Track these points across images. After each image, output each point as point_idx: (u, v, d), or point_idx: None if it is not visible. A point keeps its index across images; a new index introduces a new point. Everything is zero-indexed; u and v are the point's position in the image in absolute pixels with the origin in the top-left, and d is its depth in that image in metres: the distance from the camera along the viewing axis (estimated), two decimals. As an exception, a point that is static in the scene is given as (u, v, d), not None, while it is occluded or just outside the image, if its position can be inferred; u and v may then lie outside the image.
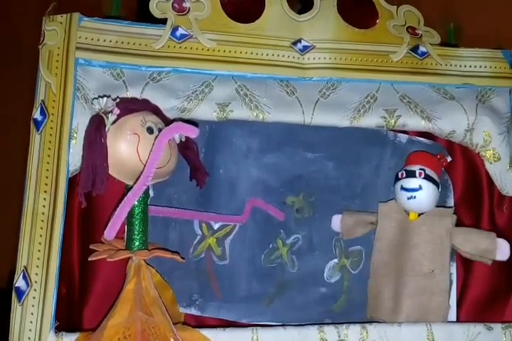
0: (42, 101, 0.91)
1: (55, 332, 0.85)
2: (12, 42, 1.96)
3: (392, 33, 1.04)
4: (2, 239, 1.47)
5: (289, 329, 0.91)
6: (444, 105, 1.03)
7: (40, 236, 0.87)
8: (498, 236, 1.01)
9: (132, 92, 0.94)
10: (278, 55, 0.99)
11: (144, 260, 0.88)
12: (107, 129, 0.87)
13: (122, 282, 0.87)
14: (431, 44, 1.05)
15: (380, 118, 1.01)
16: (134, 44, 0.95)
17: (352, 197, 1.08)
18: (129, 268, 0.88)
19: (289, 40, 1.00)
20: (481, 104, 1.05)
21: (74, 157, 0.90)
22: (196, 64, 0.96)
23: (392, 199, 1.04)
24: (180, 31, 0.96)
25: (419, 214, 1.02)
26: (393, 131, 1.06)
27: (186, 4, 0.97)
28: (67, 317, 0.93)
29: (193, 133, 0.87)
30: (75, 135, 0.91)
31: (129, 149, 0.86)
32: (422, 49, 1.04)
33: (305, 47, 1.00)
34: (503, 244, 0.99)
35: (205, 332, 0.87)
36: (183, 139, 0.90)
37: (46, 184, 0.89)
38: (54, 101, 0.91)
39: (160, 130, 0.87)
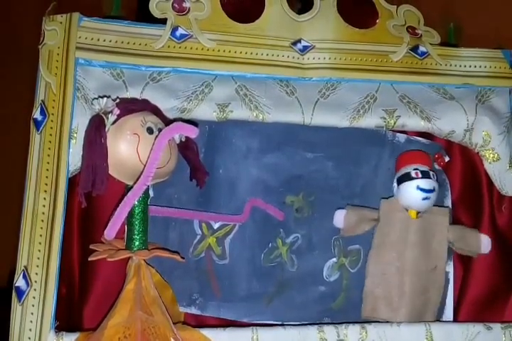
0: (42, 101, 0.91)
1: (55, 332, 0.85)
2: (12, 42, 1.96)
3: (392, 32, 1.04)
4: (2, 238, 1.47)
5: (288, 329, 0.91)
6: (444, 105, 1.03)
7: (40, 236, 0.87)
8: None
9: (132, 92, 0.94)
10: (278, 55, 0.99)
11: (144, 260, 0.88)
12: (106, 129, 0.87)
13: (122, 282, 0.88)
14: (431, 44, 1.05)
15: (379, 118, 1.01)
16: (134, 44, 0.95)
17: (351, 196, 1.08)
18: (129, 268, 0.88)
19: (289, 40, 1.00)
20: (481, 104, 1.05)
21: (74, 157, 0.90)
22: (196, 64, 0.97)
23: (391, 197, 1.04)
24: (180, 31, 0.96)
25: (418, 213, 1.02)
26: (392, 130, 1.06)
27: (186, 4, 0.97)
28: (67, 317, 0.93)
29: (192, 133, 0.87)
30: (75, 135, 0.91)
31: (129, 149, 0.86)
32: (421, 49, 1.04)
33: (305, 48, 1.00)
34: (485, 239, 1.04)
35: (205, 332, 0.88)
36: (183, 139, 0.90)
37: (46, 184, 0.89)
38: (54, 101, 0.91)
39: (160, 130, 0.87)
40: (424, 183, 1.00)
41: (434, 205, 1.03)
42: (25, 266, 0.86)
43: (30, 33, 1.05)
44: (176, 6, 0.97)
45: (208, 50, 0.97)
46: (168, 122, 0.91)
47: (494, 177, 1.05)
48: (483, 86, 1.06)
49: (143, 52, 0.95)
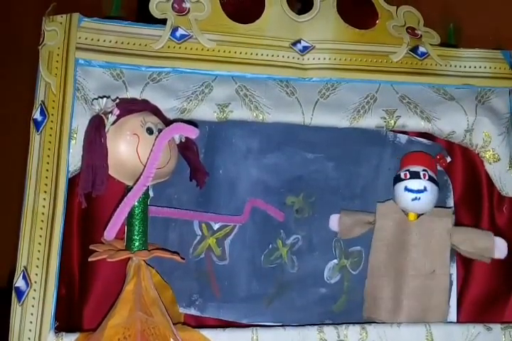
0: (42, 101, 0.91)
1: (55, 332, 0.85)
2: (12, 42, 1.95)
3: (392, 33, 1.04)
4: (2, 238, 1.47)
5: (288, 329, 0.91)
6: (444, 106, 1.03)
7: (40, 236, 0.87)
8: (498, 236, 1.01)
9: (132, 93, 0.94)
10: (278, 56, 0.99)
11: (144, 260, 0.88)
12: (106, 130, 0.87)
13: (122, 282, 0.88)
14: (431, 44, 1.05)
15: (379, 118, 1.01)
16: (133, 44, 0.95)
17: (352, 197, 1.08)
18: (128, 269, 0.88)
19: (289, 41, 1.00)
20: (481, 104, 1.05)
21: (74, 157, 0.90)
22: (196, 64, 0.97)
23: (389, 199, 1.04)
24: (180, 31, 0.96)
25: (419, 215, 1.02)
26: (393, 131, 1.06)
27: (186, 5, 0.97)
28: (67, 318, 0.93)
29: (193, 133, 0.87)
30: (75, 135, 0.91)
31: (128, 150, 0.86)
32: (421, 49, 1.04)
33: (305, 48, 1.00)
34: (500, 243, 1.00)
35: (205, 333, 0.88)
36: (183, 140, 0.90)
37: (46, 184, 0.89)
38: (54, 101, 0.91)
39: (160, 130, 0.87)
40: (412, 184, 1.00)
41: (436, 206, 1.03)
42: (25, 267, 0.86)
43: (30, 33, 1.05)
44: (176, 6, 0.97)
45: (207, 50, 0.97)
46: (168, 122, 0.91)
47: (494, 177, 1.05)
48: (483, 86, 1.06)
49: (143, 52, 0.95)
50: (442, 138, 1.06)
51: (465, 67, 1.06)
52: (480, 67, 1.06)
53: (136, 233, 0.89)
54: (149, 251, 0.89)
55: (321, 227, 1.06)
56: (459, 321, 1.06)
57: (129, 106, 0.89)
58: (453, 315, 1.06)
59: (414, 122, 1.02)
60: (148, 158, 0.86)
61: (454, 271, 1.07)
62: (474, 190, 1.09)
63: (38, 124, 0.90)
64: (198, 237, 1.03)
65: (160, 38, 0.95)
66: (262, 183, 1.05)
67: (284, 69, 0.99)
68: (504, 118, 1.06)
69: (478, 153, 1.05)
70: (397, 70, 1.03)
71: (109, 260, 0.87)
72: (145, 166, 0.86)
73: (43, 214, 0.88)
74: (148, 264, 0.89)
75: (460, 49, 1.07)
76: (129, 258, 0.88)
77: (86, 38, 0.93)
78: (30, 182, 0.89)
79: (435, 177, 1.02)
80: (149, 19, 0.96)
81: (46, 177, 0.89)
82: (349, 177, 1.08)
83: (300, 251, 1.06)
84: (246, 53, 0.98)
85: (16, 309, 0.85)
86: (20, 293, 0.86)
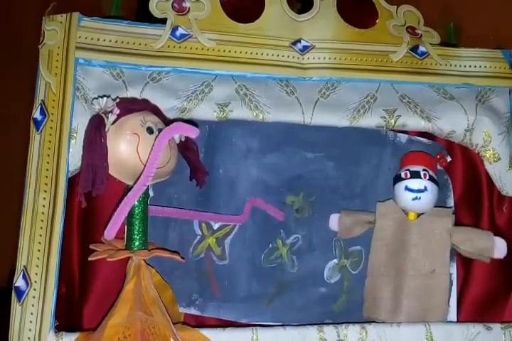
0: (42, 101, 0.91)
1: (55, 332, 0.85)
2: (12, 42, 1.95)
3: (392, 32, 1.04)
4: (2, 238, 1.47)
5: (288, 329, 0.91)
6: (444, 105, 1.03)
7: (40, 235, 0.87)
8: (498, 236, 1.01)
9: (132, 92, 0.94)
10: (278, 55, 0.99)
11: (144, 260, 0.88)
12: (106, 129, 0.87)
13: (122, 282, 0.87)
14: (431, 44, 1.05)
15: (379, 118, 1.01)
16: (133, 44, 0.95)
17: (352, 196, 1.08)
18: (128, 268, 0.88)
19: (289, 40, 1.00)
20: (481, 104, 1.05)
21: (74, 157, 0.90)
22: (196, 64, 0.97)
23: (389, 199, 1.04)
24: (180, 31, 0.96)
25: (419, 214, 1.02)
26: (393, 130, 1.06)
27: (186, 4, 0.97)
28: (67, 317, 0.93)
29: (193, 133, 0.87)
30: (75, 135, 0.91)
31: (128, 149, 0.86)
32: (421, 49, 1.04)
33: (305, 47, 1.00)
34: (500, 242, 1.00)
35: (205, 332, 0.87)
36: (183, 139, 0.90)
37: (46, 184, 0.89)
38: (54, 100, 0.91)
39: (160, 130, 0.87)
40: (412, 183, 1.00)
41: (437, 206, 1.03)
42: (24, 266, 0.86)
43: (30, 33, 1.05)
44: (176, 5, 0.97)
45: (207, 49, 0.97)
46: (168, 122, 0.91)
47: (495, 177, 1.05)
48: (483, 86, 1.06)
49: (143, 52, 0.95)
50: (442, 138, 1.06)
51: (465, 66, 1.06)
52: (480, 66, 1.06)
53: (136, 232, 0.89)
54: (149, 250, 0.89)
55: (321, 227, 1.06)
56: (458, 321, 1.06)
57: (129, 106, 0.89)
58: (453, 315, 1.06)
59: (414, 122, 1.02)
60: (148, 158, 0.86)
61: (454, 270, 1.07)
62: (474, 190, 1.09)
63: (38, 124, 0.90)
64: (198, 237, 1.03)
65: (160, 38, 0.95)
66: (261, 183, 1.05)
67: (284, 68, 0.99)
68: (504, 117, 1.06)
69: (478, 153, 1.05)
70: (397, 70, 1.03)
71: (109, 259, 0.86)
72: (145, 166, 0.86)
73: (43, 213, 0.88)
74: (148, 264, 0.89)
75: (460, 48, 1.07)
76: (129, 258, 0.88)
77: (86, 38, 0.93)
78: (30, 182, 0.88)
79: (435, 177, 1.02)
80: (149, 18, 0.96)
81: (46, 177, 0.89)
82: (349, 176, 1.08)
83: (300, 250, 1.06)
84: (246, 53, 0.98)
85: (15, 308, 0.85)
86: (20, 293, 0.86)
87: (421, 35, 1.05)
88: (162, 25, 0.96)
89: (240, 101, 0.97)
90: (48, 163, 0.89)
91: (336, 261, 1.08)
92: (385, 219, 1.03)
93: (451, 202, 1.10)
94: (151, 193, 0.93)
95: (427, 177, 1.00)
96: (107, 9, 1.06)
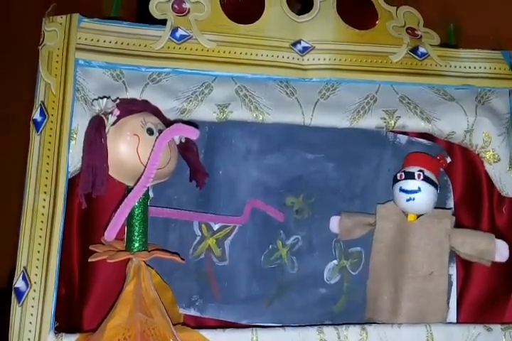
0: (42, 102, 0.91)
1: (55, 333, 0.85)
2: (12, 42, 1.96)
3: (392, 34, 1.04)
4: (2, 239, 1.47)
5: (288, 330, 0.91)
6: (444, 106, 1.03)
7: (40, 236, 0.87)
8: (498, 237, 1.01)
9: (132, 93, 0.94)
10: (278, 56, 0.99)
11: (144, 261, 0.88)
12: (107, 130, 0.87)
13: (122, 283, 0.87)
14: (430, 45, 1.05)
15: (379, 119, 1.01)
16: (133, 45, 0.95)
17: (352, 198, 1.08)
18: (128, 269, 0.88)
19: (289, 41, 1.00)
20: (481, 105, 1.05)
21: (74, 158, 0.90)
22: (196, 65, 0.96)
23: (390, 201, 1.04)
24: (179, 32, 0.96)
25: (418, 216, 1.02)
26: (393, 131, 1.06)
27: (186, 5, 0.97)
28: (66, 318, 0.93)
29: (193, 134, 0.87)
30: (75, 136, 0.91)
31: (129, 150, 0.86)
32: (421, 50, 1.04)
33: (305, 48, 1.00)
34: (501, 245, 0.99)
35: (205, 333, 0.88)
36: (183, 140, 0.90)
37: (46, 184, 0.89)
38: (54, 102, 0.91)
39: (160, 131, 0.87)
40: (406, 184, 1.00)
41: (436, 207, 1.03)
42: (24, 267, 0.86)
43: (30, 33, 1.05)
44: (176, 6, 0.97)
45: (207, 50, 0.97)
46: (168, 123, 0.91)
47: (495, 178, 1.05)
48: (483, 87, 1.06)
49: (143, 53, 0.95)
50: (442, 139, 1.06)
51: (465, 67, 1.06)
52: (480, 67, 1.06)
53: (136, 234, 0.89)
54: (149, 251, 0.89)
55: (320, 228, 1.06)
56: (459, 322, 1.06)
57: (129, 107, 0.89)
58: (453, 316, 1.06)
59: (414, 123, 1.02)
60: (148, 159, 0.86)
61: (453, 271, 1.07)
62: (474, 191, 1.09)
63: (37, 125, 0.90)
64: (198, 238, 1.03)
65: (160, 39, 0.95)
66: (261, 184, 1.05)
67: (284, 69, 0.99)
68: (504, 118, 1.06)
69: (478, 154, 1.05)
70: (397, 71, 1.03)
71: (109, 261, 0.86)
72: (145, 167, 0.86)
73: (42, 214, 0.88)
74: (148, 265, 0.89)
75: (460, 49, 1.07)
76: (128, 259, 0.88)
77: (86, 39, 0.93)
78: (30, 183, 0.88)
79: (433, 177, 1.01)
80: (149, 20, 0.96)
81: (46, 178, 0.89)
82: (349, 177, 1.08)
83: (300, 251, 1.06)
84: (246, 54, 0.98)
85: (15, 309, 0.85)
86: (20, 294, 0.86)
87: (421, 36, 1.05)
88: (162, 26, 0.96)
89: (239, 102, 0.97)
90: (47, 163, 0.89)
91: (335, 262, 1.08)
92: (385, 221, 1.03)
93: (451, 203, 1.10)
94: (151, 194, 0.93)
95: (421, 177, 1.00)
96: (107, 10, 1.06)
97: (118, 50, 0.94)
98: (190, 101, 0.96)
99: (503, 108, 1.06)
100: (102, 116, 0.88)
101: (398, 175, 1.01)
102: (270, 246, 1.05)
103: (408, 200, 1.00)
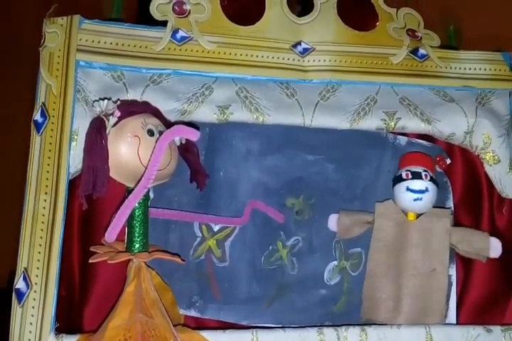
0: (42, 103, 0.91)
1: (55, 334, 0.85)
2: (12, 43, 1.96)
3: (392, 35, 1.04)
4: (2, 239, 1.47)
5: (288, 331, 0.91)
6: (444, 107, 1.04)
7: (41, 237, 0.87)
8: (498, 238, 1.02)
9: (132, 94, 0.94)
10: (278, 58, 0.99)
11: (145, 262, 0.88)
12: (107, 132, 0.87)
13: (122, 284, 0.88)
14: (431, 46, 1.05)
15: (380, 120, 1.01)
16: (134, 46, 0.95)
17: (352, 199, 1.08)
18: (129, 270, 0.88)
19: (289, 43, 1.00)
20: (481, 106, 1.05)
21: (74, 159, 0.90)
22: (196, 66, 0.97)
23: (388, 199, 1.04)
24: (180, 33, 0.96)
25: (418, 215, 1.02)
26: (393, 133, 1.07)
27: (187, 7, 0.97)
28: (67, 319, 0.93)
29: (194, 136, 0.87)
30: (76, 137, 0.91)
31: (129, 151, 0.86)
32: (421, 51, 1.04)
33: (305, 50, 1.00)
34: (495, 243, 1.02)
35: (205, 334, 0.88)
36: (184, 141, 0.90)
37: (46, 186, 0.89)
38: (54, 103, 0.91)
39: (160, 132, 0.88)
40: (414, 184, 1.00)
41: (435, 207, 1.03)
42: (25, 268, 0.86)
43: (31, 34, 1.05)
44: (177, 8, 0.97)
45: (208, 52, 0.97)
46: (168, 124, 0.91)
47: (495, 179, 1.05)
48: (483, 88, 1.06)
49: (143, 54, 0.95)
50: (442, 140, 1.06)
51: (465, 69, 1.06)
52: (480, 69, 1.06)
53: (136, 235, 0.89)
54: (150, 252, 0.89)
55: (321, 229, 1.07)
56: (458, 323, 1.06)
57: (129, 108, 0.89)
58: (453, 317, 1.06)
59: (414, 124, 1.02)
60: (149, 160, 0.86)
61: (453, 272, 1.07)
62: (474, 192, 1.09)
63: (38, 126, 0.90)
64: (198, 239, 1.03)
65: (160, 40, 0.95)
66: (262, 185, 1.05)
67: (285, 71, 1.00)
68: (504, 120, 1.06)
69: (478, 155, 1.06)
70: (397, 72, 1.03)
71: (109, 262, 0.87)
72: (146, 168, 0.86)
73: (43, 215, 0.88)
74: (149, 266, 0.89)
75: (460, 51, 1.07)
76: (129, 260, 0.88)
77: (87, 40, 0.93)
78: (30, 184, 0.89)
79: (435, 177, 1.02)
80: (150, 21, 0.96)
81: (47, 179, 0.89)
82: (349, 179, 1.08)
83: (300, 252, 1.06)
84: (246, 55, 0.98)
85: (16, 310, 0.85)
86: (20, 295, 0.86)
87: (421, 38, 1.05)
88: (163, 27, 0.96)
89: (240, 104, 0.97)
90: (48, 165, 0.89)
91: (336, 262, 1.08)
92: (383, 219, 1.03)
93: (450, 204, 1.10)
94: (151, 195, 0.93)
95: (428, 178, 1.00)
96: (108, 12, 1.06)
97: (119, 52, 0.94)
98: (191, 102, 0.96)
99: (503, 109, 1.06)
100: (103, 117, 0.88)
101: (403, 174, 1.01)
102: (270, 247, 1.05)
103: (416, 200, 1.00)
